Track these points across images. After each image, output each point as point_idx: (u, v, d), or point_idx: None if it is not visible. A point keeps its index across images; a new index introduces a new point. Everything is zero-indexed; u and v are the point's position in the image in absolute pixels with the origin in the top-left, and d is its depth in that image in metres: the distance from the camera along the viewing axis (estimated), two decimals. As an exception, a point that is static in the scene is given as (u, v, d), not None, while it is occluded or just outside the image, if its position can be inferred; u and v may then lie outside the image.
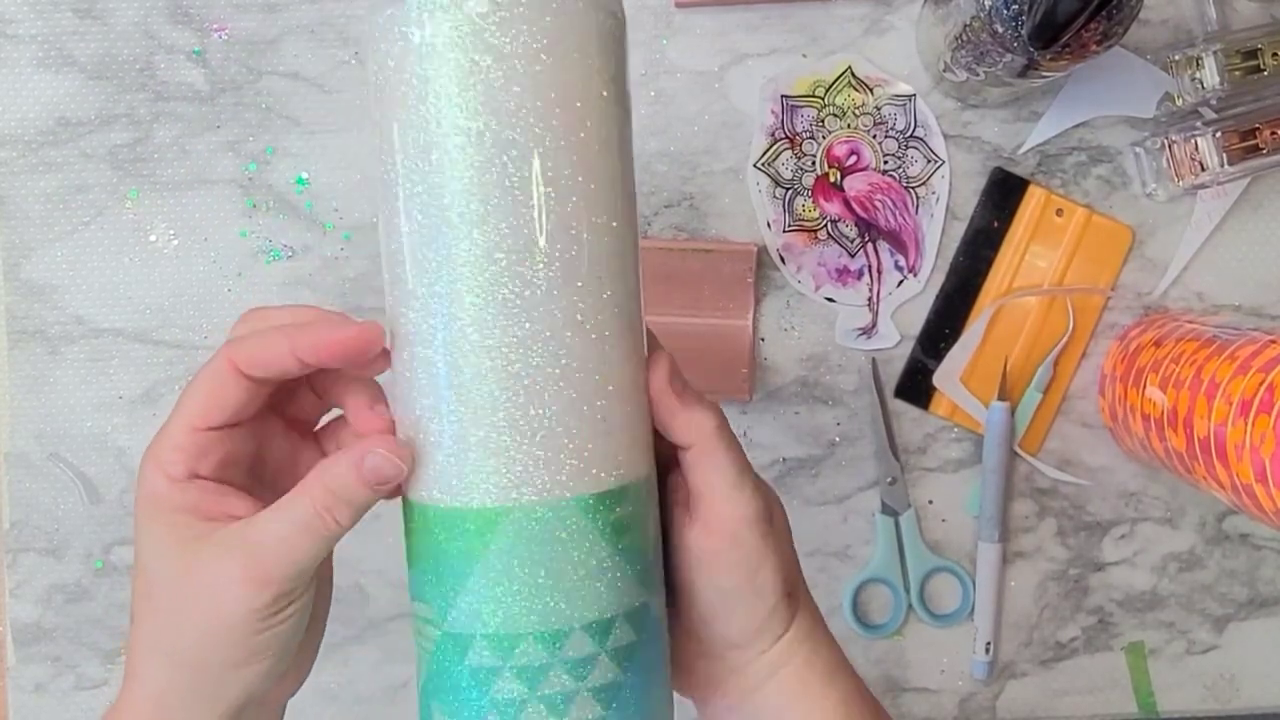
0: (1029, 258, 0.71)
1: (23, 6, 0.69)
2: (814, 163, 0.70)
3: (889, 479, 0.71)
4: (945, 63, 0.66)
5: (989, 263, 0.71)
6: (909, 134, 0.70)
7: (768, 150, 0.70)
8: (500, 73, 0.37)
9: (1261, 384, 0.53)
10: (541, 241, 0.38)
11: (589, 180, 0.39)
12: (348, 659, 0.71)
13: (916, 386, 0.71)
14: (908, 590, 0.71)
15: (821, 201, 0.71)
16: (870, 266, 0.71)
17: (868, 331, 0.71)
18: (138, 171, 0.70)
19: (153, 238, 0.70)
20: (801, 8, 0.70)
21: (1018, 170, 0.71)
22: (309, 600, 0.42)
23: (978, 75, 0.64)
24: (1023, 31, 0.57)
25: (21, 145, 0.70)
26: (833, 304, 0.71)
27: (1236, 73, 0.66)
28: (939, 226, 0.71)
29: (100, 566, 0.71)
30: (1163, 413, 0.61)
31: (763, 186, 0.70)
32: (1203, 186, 0.67)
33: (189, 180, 0.70)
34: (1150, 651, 0.72)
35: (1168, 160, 0.68)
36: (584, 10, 0.38)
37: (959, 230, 0.71)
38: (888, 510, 0.71)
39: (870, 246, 0.71)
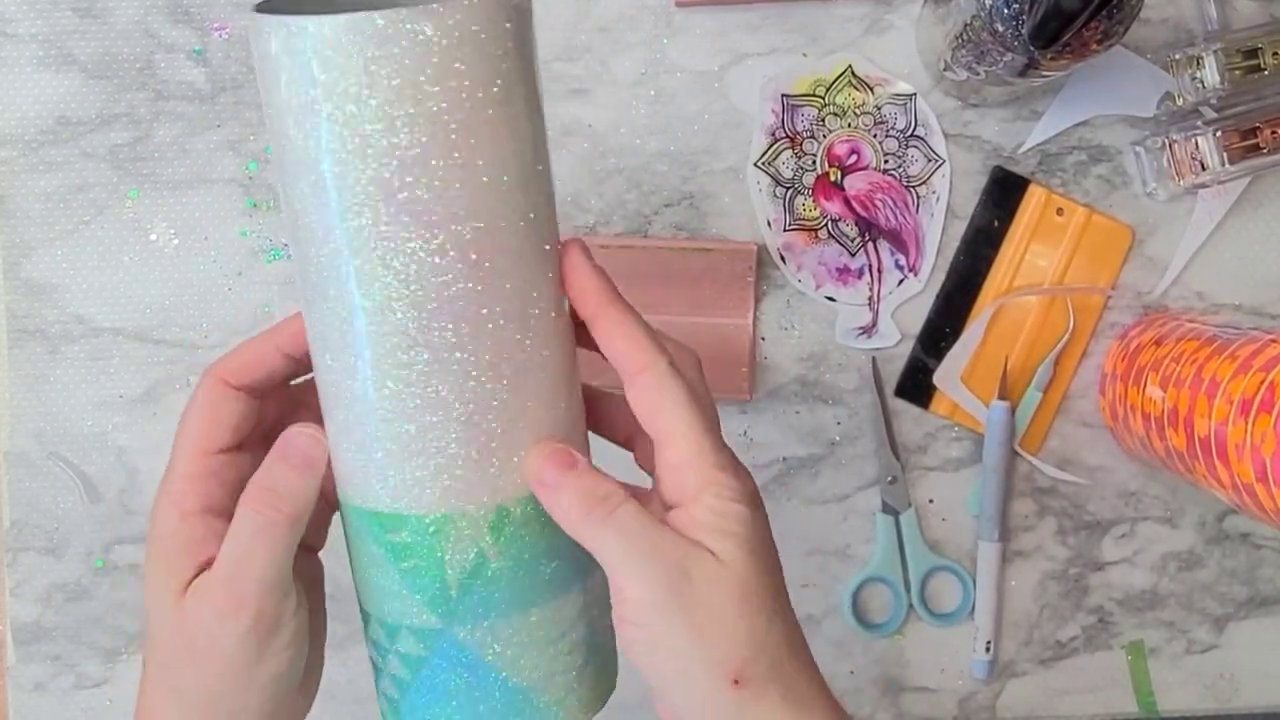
0: (1029, 257, 0.71)
1: (22, 5, 0.69)
2: (814, 162, 0.70)
3: (889, 478, 0.71)
4: (945, 62, 0.66)
5: (989, 262, 0.71)
6: (909, 133, 0.70)
7: (768, 149, 0.70)
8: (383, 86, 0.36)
9: (1262, 383, 0.53)
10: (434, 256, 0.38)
11: (479, 194, 0.38)
12: (347, 659, 0.71)
13: (917, 385, 0.71)
14: (908, 589, 0.71)
15: (822, 201, 0.70)
16: (871, 265, 0.71)
17: (868, 330, 0.71)
18: (138, 170, 0.70)
19: (153, 237, 0.70)
20: (801, 7, 0.70)
21: (1018, 169, 0.71)
22: (298, 634, 0.42)
23: (978, 74, 0.64)
24: (1023, 31, 0.57)
25: (21, 144, 0.70)
26: (833, 303, 0.71)
27: (1237, 72, 0.66)
28: (939, 226, 0.71)
29: (100, 565, 0.71)
30: (1163, 412, 0.61)
31: (763, 186, 0.70)
32: (1203, 186, 0.67)
33: (189, 179, 0.70)
34: (1150, 651, 0.72)
35: (1168, 159, 0.68)
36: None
37: (959, 229, 0.71)
38: (888, 509, 0.71)
39: (871, 245, 0.71)
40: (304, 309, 0.41)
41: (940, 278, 0.71)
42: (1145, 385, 0.63)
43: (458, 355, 0.39)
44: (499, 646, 0.42)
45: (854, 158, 0.70)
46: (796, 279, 0.70)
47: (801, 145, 0.70)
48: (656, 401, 0.40)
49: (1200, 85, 0.67)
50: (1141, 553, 0.72)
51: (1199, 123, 0.66)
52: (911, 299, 0.71)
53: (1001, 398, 0.70)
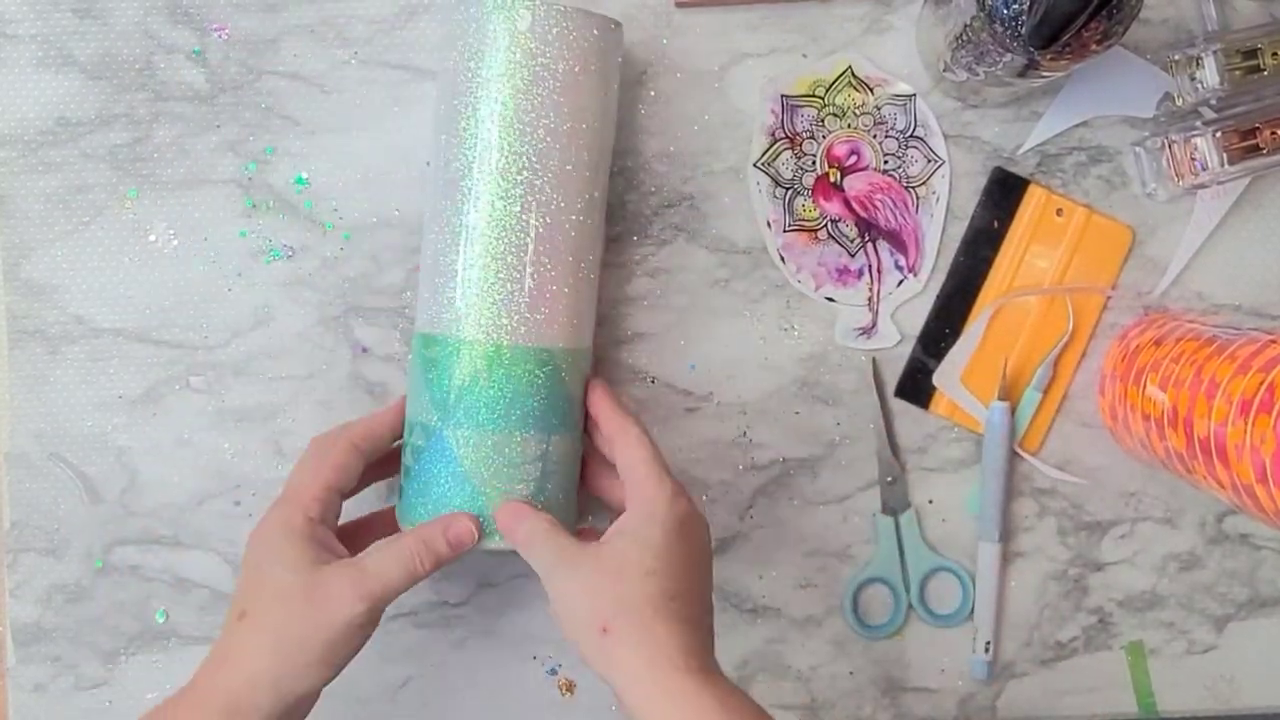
0: (1029, 257, 0.71)
1: (22, 6, 0.69)
2: (814, 162, 0.70)
3: (889, 479, 0.71)
4: (945, 62, 0.66)
5: (989, 262, 0.71)
6: (909, 134, 0.70)
7: (768, 150, 0.70)
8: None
9: (1261, 384, 0.53)
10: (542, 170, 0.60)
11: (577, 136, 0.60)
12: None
13: (917, 386, 0.71)
14: (908, 590, 0.71)
15: (821, 201, 0.71)
16: (870, 266, 0.71)
17: (868, 331, 0.71)
18: (137, 171, 0.70)
19: (152, 237, 0.70)
20: (801, 7, 0.70)
21: (1018, 170, 0.71)
22: (366, 640, 0.57)
23: (978, 75, 0.64)
24: (1022, 31, 0.57)
25: (21, 145, 0.70)
26: (833, 304, 0.71)
27: (1236, 72, 0.66)
28: (939, 226, 0.71)
29: (100, 566, 0.70)
30: (1163, 412, 0.61)
31: (763, 186, 0.70)
32: (1203, 186, 0.67)
33: (189, 180, 0.70)
34: (1150, 651, 0.72)
35: (1168, 160, 0.68)
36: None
37: (959, 230, 0.71)
38: (888, 510, 0.71)
39: (870, 246, 0.71)
40: (435, 206, 0.62)
41: (940, 278, 0.71)
42: (1145, 386, 0.63)
43: (527, 237, 0.60)
44: (472, 455, 0.59)
45: (854, 158, 0.70)
46: (796, 279, 0.70)
47: (801, 146, 0.70)
48: (630, 451, 0.59)
49: (1200, 86, 0.67)
50: (1141, 553, 0.72)
51: (1198, 123, 0.66)
52: (911, 300, 0.71)
53: (1001, 398, 0.70)
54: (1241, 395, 0.54)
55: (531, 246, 0.60)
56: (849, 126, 0.70)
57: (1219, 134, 0.65)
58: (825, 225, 0.71)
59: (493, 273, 0.59)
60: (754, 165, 0.70)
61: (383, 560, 0.56)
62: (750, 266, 0.71)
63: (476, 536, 0.58)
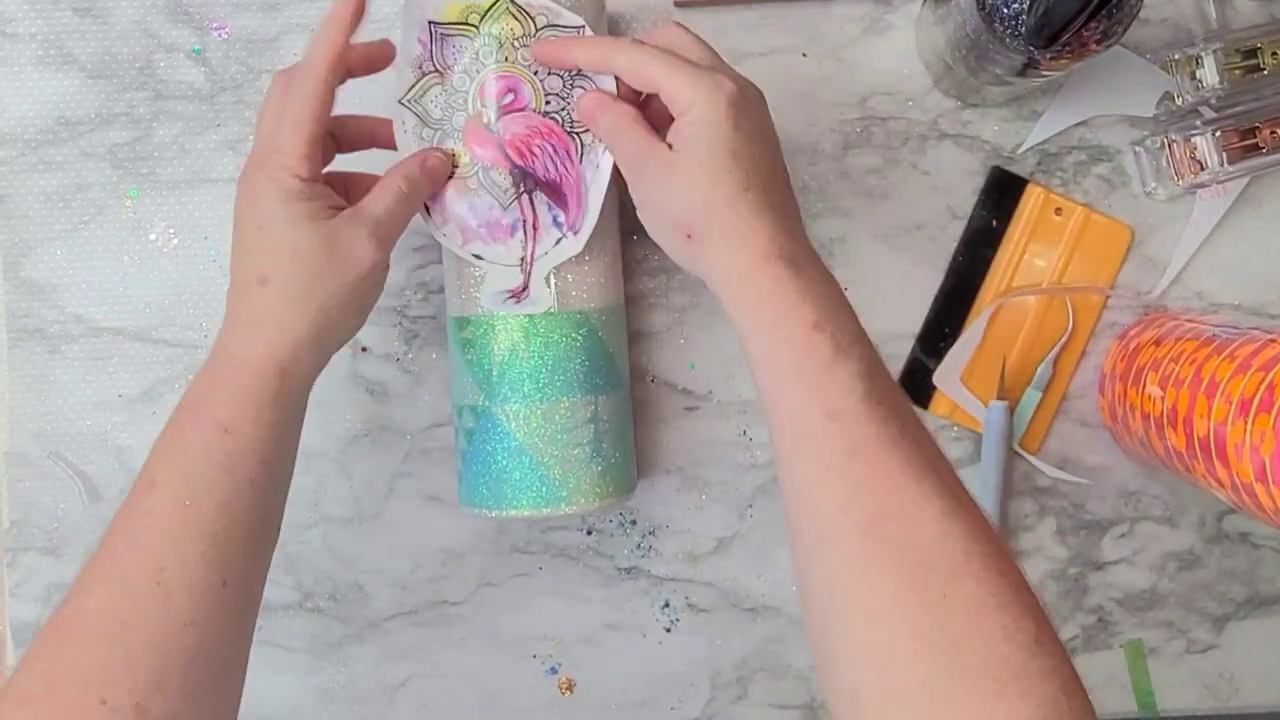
0: (1028, 257, 0.71)
1: (23, 5, 0.69)
2: (465, 101, 0.60)
3: (888, 478, 0.71)
4: (945, 62, 0.66)
5: (988, 262, 0.71)
6: (576, 72, 0.60)
7: (415, 85, 0.60)
8: None
9: (1261, 383, 0.53)
10: None
11: None
12: (347, 659, 0.71)
13: (916, 385, 0.71)
14: (907, 589, 0.71)
15: (473, 146, 0.60)
16: (525, 221, 0.61)
17: (518, 295, 0.62)
18: (137, 170, 0.70)
19: (152, 236, 0.70)
20: (800, 7, 0.70)
21: (1017, 169, 0.71)
22: (383, 277, 0.57)
23: (977, 74, 0.64)
24: (1022, 30, 0.57)
25: (21, 144, 0.70)
26: (480, 262, 0.61)
27: (1236, 72, 0.66)
28: (605, 179, 0.61)
29: (100, 565, 0.70)
30: (1162, 412, 0.61)
31: (408, 126, 0.61)
32: (1202, 185, 0.67)
33: (189, 179, 0.70)
34: (1150, 650, 0.72)
35: (1167, 159, 0.68)
36: None
37: (958, 229, 0.71)
38: (887, 509, 0.71)
39: (526, 198, 0.61)
40: None
41: (602, 238, 0.62)
42: (1144, 385, 0.64)
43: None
44: (524, 427, 0.60)
45: (510, 97, 0.60)
46: (441, 233, 0.61)
47: (451, 81, 0.60)
48: (636, 67, 0.55)
49: (1199, 85, 0.67)
50: (1141, 552, 0.72)
51: (1198, 123, 0.66)
52: (569, 262, 0.62)
53: (1000, 397, 0.70)
54: (1241, 394, 0.54)
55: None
56: (506, 60, 0.60)
57: (1218, 133, 0.65)
58: (476, 173, 0.60)
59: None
60: (399, 101, 0.61)
61: (378, 200, 0.56)
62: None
63: (451, 166, 0.59)
